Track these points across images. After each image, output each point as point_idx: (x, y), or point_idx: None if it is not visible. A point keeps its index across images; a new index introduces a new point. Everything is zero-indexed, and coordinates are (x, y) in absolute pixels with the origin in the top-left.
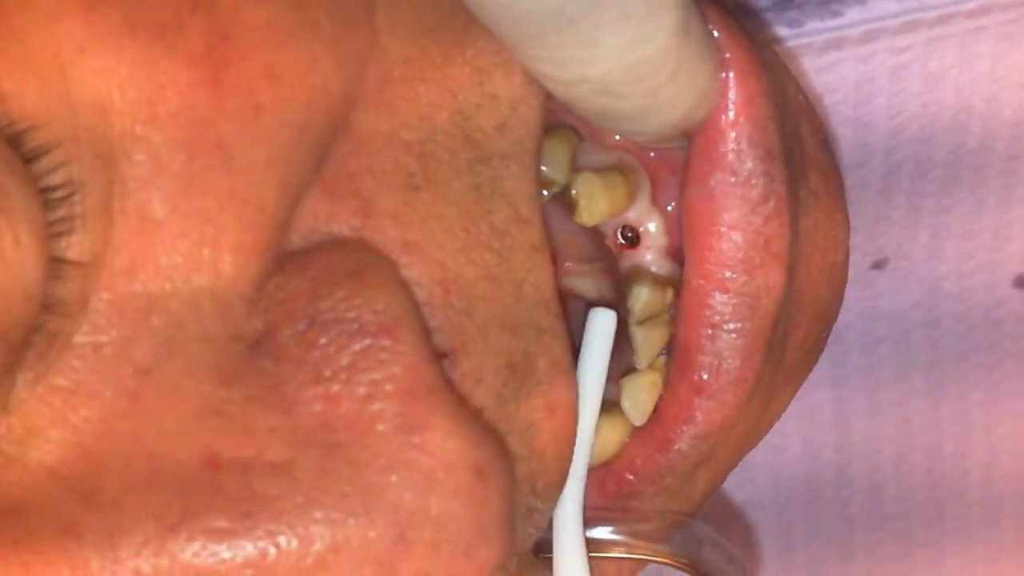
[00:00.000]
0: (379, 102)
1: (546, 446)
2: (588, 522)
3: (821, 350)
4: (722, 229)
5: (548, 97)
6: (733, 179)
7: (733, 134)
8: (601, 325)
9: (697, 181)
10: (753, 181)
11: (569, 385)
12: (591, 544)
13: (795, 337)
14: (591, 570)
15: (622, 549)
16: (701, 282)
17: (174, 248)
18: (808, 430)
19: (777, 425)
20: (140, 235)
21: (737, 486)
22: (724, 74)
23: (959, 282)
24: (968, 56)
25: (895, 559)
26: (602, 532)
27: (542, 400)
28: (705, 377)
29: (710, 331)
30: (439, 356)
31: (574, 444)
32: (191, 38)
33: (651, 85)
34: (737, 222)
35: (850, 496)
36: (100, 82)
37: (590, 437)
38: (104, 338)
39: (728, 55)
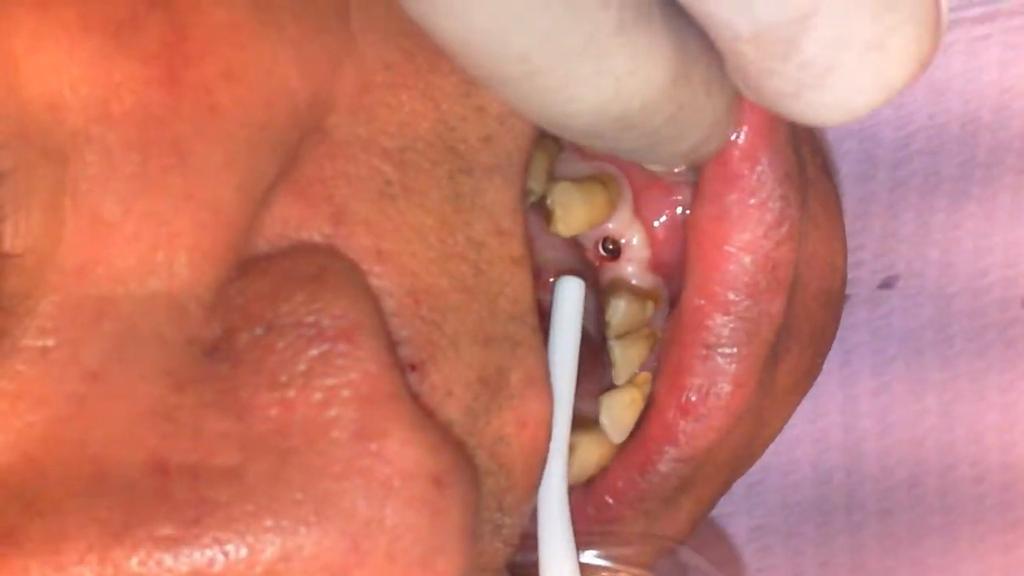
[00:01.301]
0: (358, 107)
1: (515, 460)
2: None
3: (815, 376)
4: (732, 250)
5: None
6: (752, 200)
7: (755, 154)
8: (567, 294)
9: (711, 199)
10: (770, 204)
11: (543, 400)
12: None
13: (787, 362)
14: None
15: (607, 574)
16: (702, 302)
17: (127, 250)
18: (818, 453)
19: (787, 449)
20: (92, 236)
21: (746, 511)
22: (741, 105)
23: (972, 300)
24: (975, 65)
25: None
26: (587, 556)
27: (513, 415)
28: (694, 399)
29: (704, 352)
30: (408, 368)
31: (545, 459)
32: (147, 36)
33: (645, 130)
34: (749, 244)
35: (862, 520)
36: (53, 79)
37: (566, 431)
38: (52, 341)
39: None
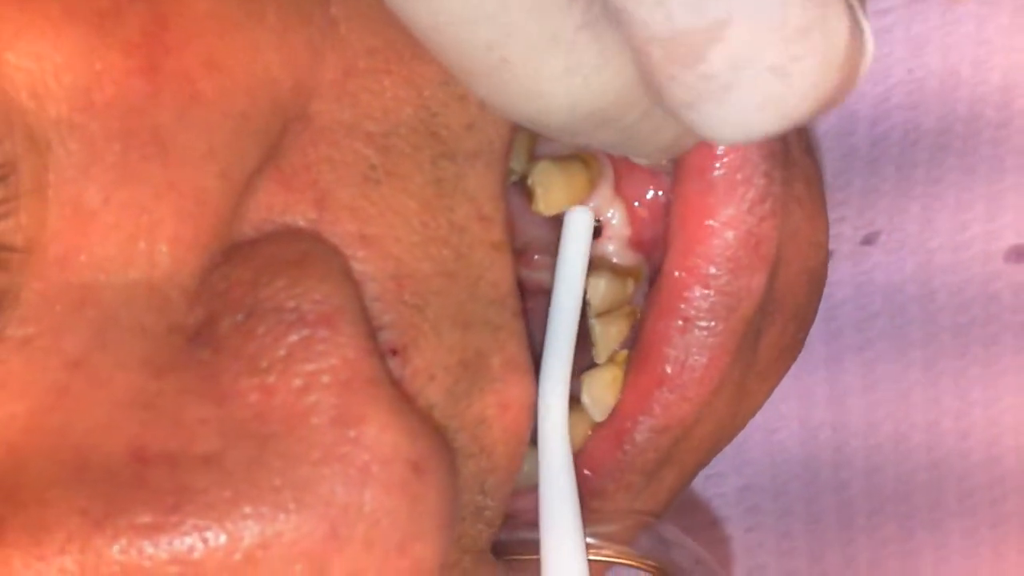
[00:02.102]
0: (341, 92)
1: (496, 443)
2: None
3: (798, 350)
4: (715, 224)
5: None
6: (738, 175)
7: None
8: (577, 224)
9: (696, 174)
10: (754, 180)
11: (524, 383)
12: None
13: (769, 335)
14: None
15: (589, 551)
16: (682, 275)
17: (108, 239)
18: (804, 410)
19: (773, 407)
20: (74, 225)
21: (734, 470)
22: None
23: (954, 254)
24: (952, 18)
25: (897, 541)
26: None
27: (495, 397)
28: (669, 370)
29: (681, 323)
30: (389, 352)
31: (526, 443)
32: (129, 25)
33: (620, 126)
34: (732, 219)
35: (849, 477)
36: (36, 67)
37: (565, 391)
38: (33, 330)
39: None
